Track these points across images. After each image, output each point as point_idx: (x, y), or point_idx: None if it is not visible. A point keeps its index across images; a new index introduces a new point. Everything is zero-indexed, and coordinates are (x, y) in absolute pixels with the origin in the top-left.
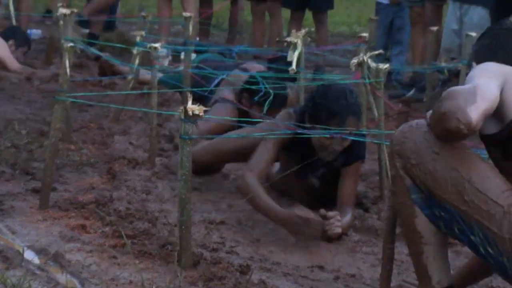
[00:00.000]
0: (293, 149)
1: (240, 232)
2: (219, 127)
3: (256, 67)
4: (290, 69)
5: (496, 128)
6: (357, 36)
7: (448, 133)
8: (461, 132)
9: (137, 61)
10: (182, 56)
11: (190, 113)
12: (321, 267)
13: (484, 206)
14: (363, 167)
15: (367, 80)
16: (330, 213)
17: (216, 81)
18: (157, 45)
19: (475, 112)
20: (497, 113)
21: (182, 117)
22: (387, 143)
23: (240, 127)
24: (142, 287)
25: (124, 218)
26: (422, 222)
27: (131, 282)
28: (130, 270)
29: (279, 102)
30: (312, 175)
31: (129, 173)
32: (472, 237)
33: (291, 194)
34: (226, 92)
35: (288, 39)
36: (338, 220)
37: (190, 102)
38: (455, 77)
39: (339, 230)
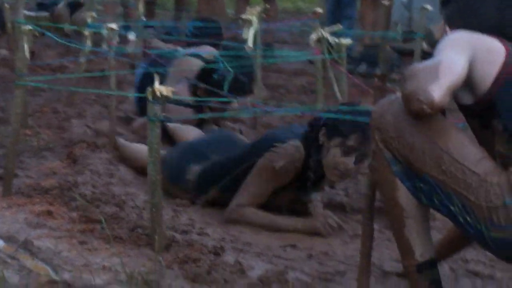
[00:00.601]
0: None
1: (208, 214)
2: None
3: (208, 50)
4: (246, 46)
5: (471, 99)
6: (303, 12)
7: (414, 114)
8: (425, 112)
9: (88, 43)
10: (131, 36)
11: (158, 94)
12: (293, 246)
13: (461, 175)
14: None
15: (329, 56)
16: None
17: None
18: (113, 25)
19: (438, 90)
20: (470, 85)
21: (150, 98)
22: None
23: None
24: (116, 272)
25: (90, 203)
26: (403, 195)
27: (104, 267)
28: (102, 255)
29: (240, 86)
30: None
31: (90, 156)
32: (451, 207)
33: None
34: (179, 88)
35: (243, 16)
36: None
37: (157, 83)
38: (408, 55)
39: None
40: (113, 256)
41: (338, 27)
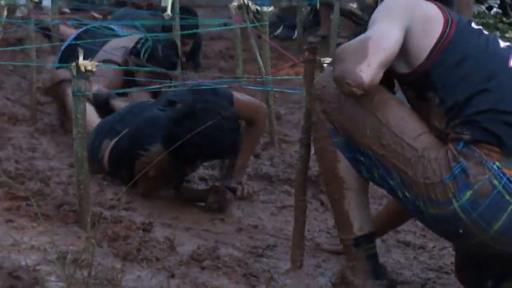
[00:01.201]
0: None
1: (133, 188)
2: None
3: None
4: (165, 14)
5: (406, 69)
6: None
7: (346, 95)
8: (355, 94)
9: (5, 13)
10: (46, 3)
11: (83, 69)
12: (222, 220)
13: (400, 150)
14: None
15: (250, 24)
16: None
17: None
18: None
19: (366, 70)
20: (405, 55)
21: (74, 73)
22: (275, 89)
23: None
24: (45, 252)
25: (14, 179)
26: (344, 167)
27: (33, 246)
28: (30, 233)
29: (168, 66)
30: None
31: (11, 130)
32: (390, 182)
33: None
34: (112, 55)
35: None
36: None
37: (81, 58)
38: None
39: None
40: (41, 235)
41: None
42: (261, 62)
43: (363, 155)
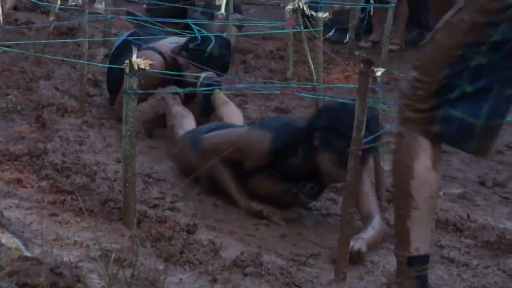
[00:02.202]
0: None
1: (179, 186)
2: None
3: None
4: (218, 13)
5: None
6: None
7: None
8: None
9: (58, 2)
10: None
11: (136, 67)
12: (266, 225)
13: None
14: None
15: (304, 29)
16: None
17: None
18: None
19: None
20: None
21: (127, 71)
22: (327, 97)
23: (176, 82)
24: (87, 248)
25: (60, 172)
26: (417, 184)
27: (75, 242)
28: (73, 229)
29: (221, 66)
30: (300, 191)
31: (59, 121)
32: None
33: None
34: (162, 43)
35: None
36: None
37: (135, 56)
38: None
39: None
40: (84, 231)
41: None
42: (312, 67)
43: None
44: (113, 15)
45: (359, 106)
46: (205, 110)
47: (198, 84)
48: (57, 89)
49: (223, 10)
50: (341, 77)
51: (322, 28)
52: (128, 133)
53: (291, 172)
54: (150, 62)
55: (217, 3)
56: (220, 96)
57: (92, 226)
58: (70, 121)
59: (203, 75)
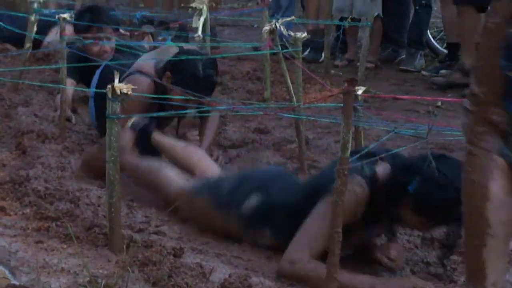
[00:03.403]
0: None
1: (163, 210)
2: (136, 105)
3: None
4: (196, 36)
5: None
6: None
7: None
8: None
9: (34, 29)
10: None
11: (118, 91)
12: (251, 247)
13: None
14: (275, 136)
15: (283, 50)
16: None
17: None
18: (66, 15)
19: None
20: None
21: (110, 96)
22: (310, 117)
23: (161, 105)
24: (75, 275)
25: (44, 198)
26: (494, 208)
27: (63, 269)
28: (59, 255)
29: (207, 87)
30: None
31: (40, 148)
32: None
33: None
34: (145, 64)
35: (193, 4)
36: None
37: (117, 80)
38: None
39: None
40: (71, 257)
41: (291, 19)
42: (291, 87)
43: None
44: (91, 41)
45: (344, 125)
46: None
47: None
48: (36, 115)
49: (199, 32)
50: (318, 97)
51: (300, 48)
52: (112, 158)
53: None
54: (132, 87)
55: (193, 25)
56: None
57: (78, 252)
58: (50, 147)
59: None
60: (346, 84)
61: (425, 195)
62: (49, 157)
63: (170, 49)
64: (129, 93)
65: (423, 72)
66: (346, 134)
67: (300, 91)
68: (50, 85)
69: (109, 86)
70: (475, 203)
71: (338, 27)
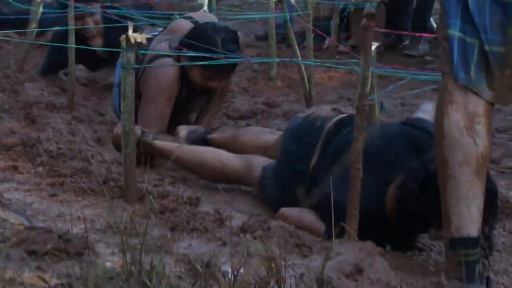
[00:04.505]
0: None
1: (177, 171)
2: (165, 94)
3: (206, 15)
4: (202, 10)
5: None
6: None
7: None
8: None
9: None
10: None
11: (133, 41)
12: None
13: None
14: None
15: (296, 13)
16: None
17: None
18: None
19: None
20: None
21: (124, 45)
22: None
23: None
24: (91, 222)
25: (56, 158)
26: (447, 146)
27: (79, 217)
28: (75, 206)
29: (229, 64)
30: None
31: (49, 116)
32: None
33: None
34: (160, 47)
35: None
36: None
37: (131, 30)
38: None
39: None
40: (86, 208)
41: None
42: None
43: None
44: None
45: (363, 61)
46: None
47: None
48: (43, 90)
49: (205, 7)
50: (324, 76)
51: (311, 11)
52: (127, 108)
53: None
54: (147, 36)
55: (200, 1)
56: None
57: (94, 203)
58: (60, 116)
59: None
60: (365, 20)
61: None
62: (59, 124)
63: (182, 25)
64: (143, 42)
65: (427, 58)
66: (366, 70)
67: (311, 54)
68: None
69: (123, 36)
70: (436, 140)
71: (343, 11)
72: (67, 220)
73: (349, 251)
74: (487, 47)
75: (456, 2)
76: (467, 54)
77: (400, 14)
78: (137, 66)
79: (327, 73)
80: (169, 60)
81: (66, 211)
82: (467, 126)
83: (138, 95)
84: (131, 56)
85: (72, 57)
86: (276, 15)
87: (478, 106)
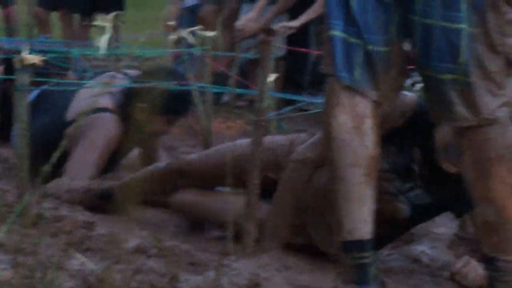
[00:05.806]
0: None
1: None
2: (106, 146)
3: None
4: (100, 53)
5: None
6: None
7: None
8: None
9: None
10: None
11: (27, 62)
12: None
13: None
14: None
15: (195, 49)
16: None
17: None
18: None
19: None
20: None
21: (19, 66)
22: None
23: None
24: None
25: None
26: (336, 147)
27: None
28: None
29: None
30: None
31: None
32: None
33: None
34: (104, 99)
35: (97, 23)
36: None
37: (26, 52)
38: None
39: None
40: None
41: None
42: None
43: None
44: None
45: (261, 76)
46: None
47: None
48: None
49: (103, 50)
50: (222, 126)
51: (210, 46)
52: (20, 131)
53: None
54: (43, 58)
55: (97, 44)
56: None
57: None
58: None
59: None
60: (264, 35)
61: None
62: None
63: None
64: (38, 63)
65: None
66: (263, 85)
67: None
68: None
69: (17, 57)
70: (326, 143)
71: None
72: None
73: (245, 266)
74: (370, 47)
75: (338, 3)
76: (351, 54)
77: (298, 70)
78: (28, 88)
79: (226, 123)
80: (109, 116)
81: None
82: (355, 127)
83: (64, 154)
84: (25, 78)
85: None
86: (185, 49)
87: (365, 107)
